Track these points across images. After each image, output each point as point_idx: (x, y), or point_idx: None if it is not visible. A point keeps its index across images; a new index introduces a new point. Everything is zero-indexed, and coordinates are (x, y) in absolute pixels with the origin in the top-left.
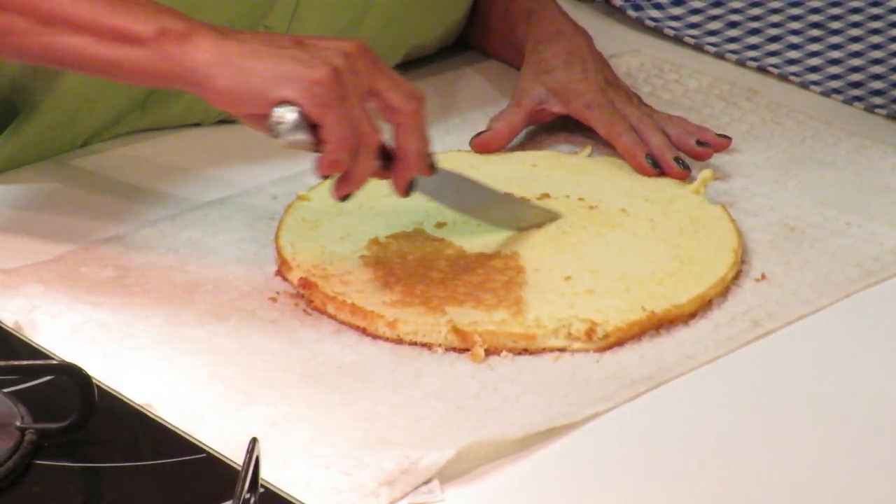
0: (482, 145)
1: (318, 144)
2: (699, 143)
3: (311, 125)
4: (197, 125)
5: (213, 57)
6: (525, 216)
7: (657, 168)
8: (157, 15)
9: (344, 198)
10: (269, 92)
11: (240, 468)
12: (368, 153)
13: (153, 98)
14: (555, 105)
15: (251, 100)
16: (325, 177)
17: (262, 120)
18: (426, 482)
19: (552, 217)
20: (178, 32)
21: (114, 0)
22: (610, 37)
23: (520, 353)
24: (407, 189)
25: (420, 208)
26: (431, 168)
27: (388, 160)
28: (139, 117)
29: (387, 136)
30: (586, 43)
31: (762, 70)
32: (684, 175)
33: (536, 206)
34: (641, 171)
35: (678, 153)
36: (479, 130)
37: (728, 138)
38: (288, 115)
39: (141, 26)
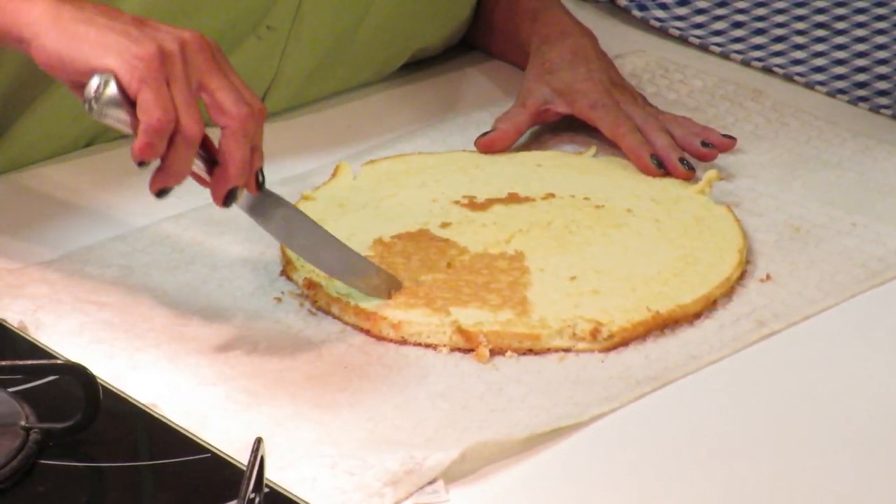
0: (487, 146)
1: (136, 127)
2: (704, 143)
3: (130, 104)
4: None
5: (45, 16)
6: (359, 272)
7: (662, 168)
8: None
9: (160, 192)
10: (91, 59)
11: (245, 468)
12: (185, 144)
13: None
14: (560, 105)
15: (72, 65)
16: (140, 164)
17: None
18: (431, 482)
19: (392, 285)
20: None
21: None
22: (615, 37)
23: (525, 354)
24: (225, 199)
25: (424, 209)
26: (257, 186)
27: (214, 167)
28: None
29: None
30: (591, 43)
31: (767, 70)
32: (689, 176)
33: (377, 268)
34: (646, 171)
35: (683, 154)
36: (484, 131)
37: (733, 139)
38: (106, 85)
39: None
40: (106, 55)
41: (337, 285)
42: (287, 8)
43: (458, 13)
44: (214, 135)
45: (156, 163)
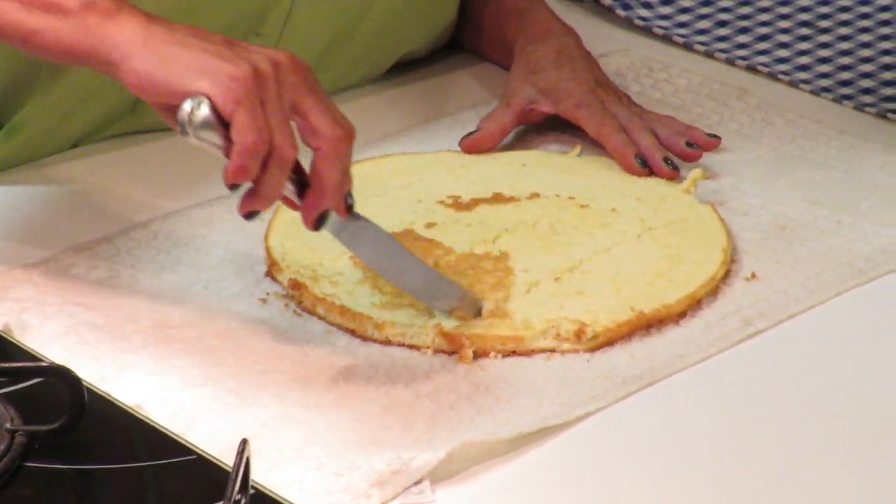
0: (472, 146)
1: (228, 150)
2: (689, 143)
3: (223, 126)
4: None
5: (135, 37)
6: (448, 297)
7: (646, 168)
8: None
9: (248, 215)
10: (184, 82)
11: (231, 470)
12: (278, 167)
13: (142, 101)
14: (544, 105)
15: (164, 88)
16: (232, 187)
17: (175, 113)
18: (417, 483)
19: (476, 308)
20: (105, 8)
21: None
22: (599, 36)
23: (509, 355)
24: (316, 222)
25: (409, 209)
26: (348, 209)
27: (304, 190)
28: (130, 120)
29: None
30: (575, 42)
31: (752, 69)
32: (673, 175)
33: (462, 290)
34: (631, 170)
35: (667, 153)
36: (469, 131)
37: (718, 138)
38: (199, 108)
39: None
40: (199, 77)
41: (322, 286)
42: (277, 16)
43: (445, 16)
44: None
45: (245, 185)
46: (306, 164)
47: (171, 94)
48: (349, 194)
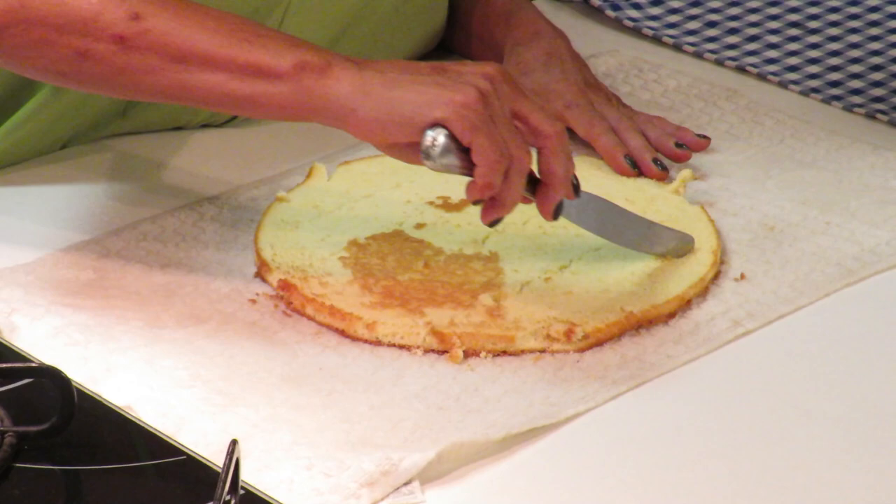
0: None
1: (468, 168)
2: (678, 144)
3: (460, 149)
4: (177, 129)
5: (355, 89)
6: (663, 241)
7: (636, 169)
8: (293, 48)
9: (493, 223)
10: (419, 117)
11: (220, 470)
12: (519, 175)
13: (134, 103)
14: None
15: (400, 128)
16: (477, 201)
17: (407, 149)
18: (407, 483)
19: (688, 244)
20: (317, 65)
21: (248, 34)
22: (588, 37)
23: (499, 355)
24: (555, 213)
25: (399, 210)
26: (576, 191)
27: (531, 184)
28: (119, 123)
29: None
30: (564, 44)
31: (741, 70)
32: (663, 176)
33: (674, 232)
34: (620, 171)
35: (657, 154)
36: None
37: (707, 138)
38: (440, 138)
39: (278, 61)
40: (432, 110)
41: (312, 286)
42: (271, 24)
43: (435, 22)
44: None
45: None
46: None
47: (408, 134)
48: (574, 176)
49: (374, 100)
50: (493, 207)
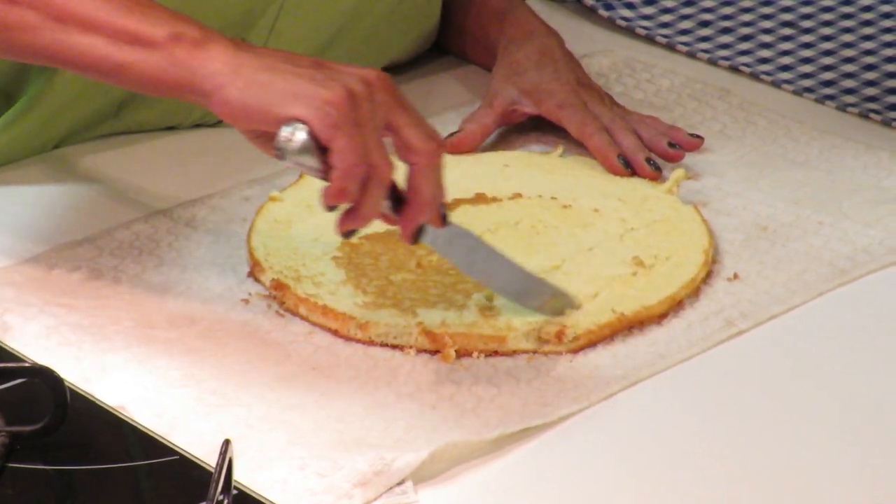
0: (454, 146)
1: (325, 171)
2: (671, 144)
3: (320, 149)
4: (170, 128)
5: (226, 67)
6: (538, 295)
7: (629, 168)
8: (172, 20)
9: (347, 234)
10: (279, 108)
11: (213, 470)
12: (378, 187)
13: (128, 103)
14: (527, 106)
15: (260, 115)
16: (331, 208)
17: (268, 138)
18: (400, 483)
19: (566, 302)
20: (193, 39)
21: (132, 2)
22: (582, 36)
23: (492, 355)
24: (414, 236)
25: None
26: (443, 220)
27: (397, 204)
28: (112, 123)
29: (400, 177)
30: (558, 43)
31: (734, 69)
32: (655, 176)
33: (552, 287)
34: (613, 171)
35: (649, 154)
36: (451, 132)
37: (700, 138)
38: (296, 134)
39: (154, 30)
40: (295, 103)
41: (305, 286)
42: (264, 24)
43: (429, 22)
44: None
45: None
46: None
47: (266, 122)
48: (442, 205)
49: (242, 81)
50: (348, 217)
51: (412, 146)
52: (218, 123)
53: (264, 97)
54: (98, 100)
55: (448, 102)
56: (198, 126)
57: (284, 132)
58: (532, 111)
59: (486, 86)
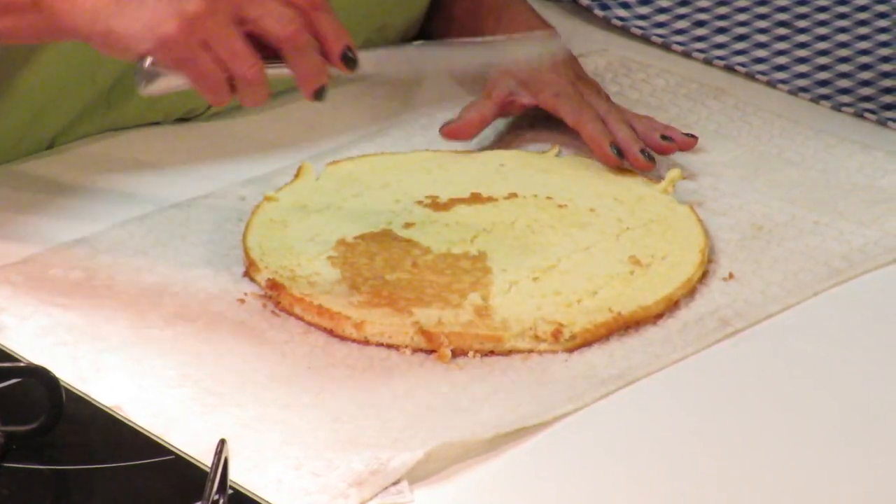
0: (452, 133)
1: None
2: (664, 137)
3: None
4: (157, 124)
5: (97, 4)
6: (513, 52)
7: (621, 158)
8: None
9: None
10: (132, 46)
11: (209, 470)
12: (250, 87)
13: (116, 92)
14: (524, 96)
15: (123, 52)
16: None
17: None
18: (395, 483)
19: (551, 45)
20: None
21: None
22: (577, 36)
23: (487, 354)
24: (315, 95)
25: (388, 209)
26: (347, 65)
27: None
28: (105, 115)
29: None
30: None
31: (729, 69)
32: (649, 167)
33: (528, 39)
34: (606, 160)
35: (644, 145)
36: (449, 119)
37: (694, 137)
38: (146, 68)
39: None
40: (140, 42)
41: (300, 285)
42: None
43: (415, 9)
44: None
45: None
46: None
47: (129, 58)
48: (347, 49)
49: (107, 15)
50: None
51: (271, 34)
52: (213, 118)
53: (122, 32)
54: (87, 90)
55: (442, 101)
56: (184, 121)
57: (137, 67)
58: (529, 102)
59: (478, 83)
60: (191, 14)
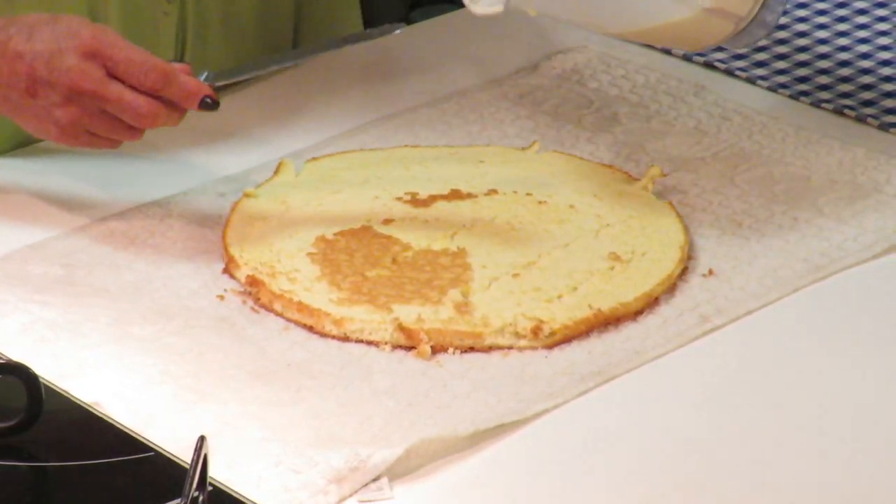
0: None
1: None
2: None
3: None
4: None
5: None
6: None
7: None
8: None
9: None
10: (40, 137)
11: (189, 467)
12: (69, 134)
13: None
14: None
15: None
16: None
17: None
18: (375, 479)
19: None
20: None
21: None
22: (557, 32)
23: (467, 351)
24: (202, 105)
25: (367, 205)
26: (208, 109)
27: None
28: None
29: None
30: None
31: (709, 65)
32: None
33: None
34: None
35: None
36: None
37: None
38: None
39: None
40: (41, 136)
41: (280, 282)
42: None
43: None
44: None
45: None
46: None
47: None
48: (203, 102)
49: (7, 113)
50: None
51: (129, 112)
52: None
53: (26, 128)
54: None
55: (421, 98)
56: None
57: None
58: None
59: (459, 81)
60: (65, 122)
